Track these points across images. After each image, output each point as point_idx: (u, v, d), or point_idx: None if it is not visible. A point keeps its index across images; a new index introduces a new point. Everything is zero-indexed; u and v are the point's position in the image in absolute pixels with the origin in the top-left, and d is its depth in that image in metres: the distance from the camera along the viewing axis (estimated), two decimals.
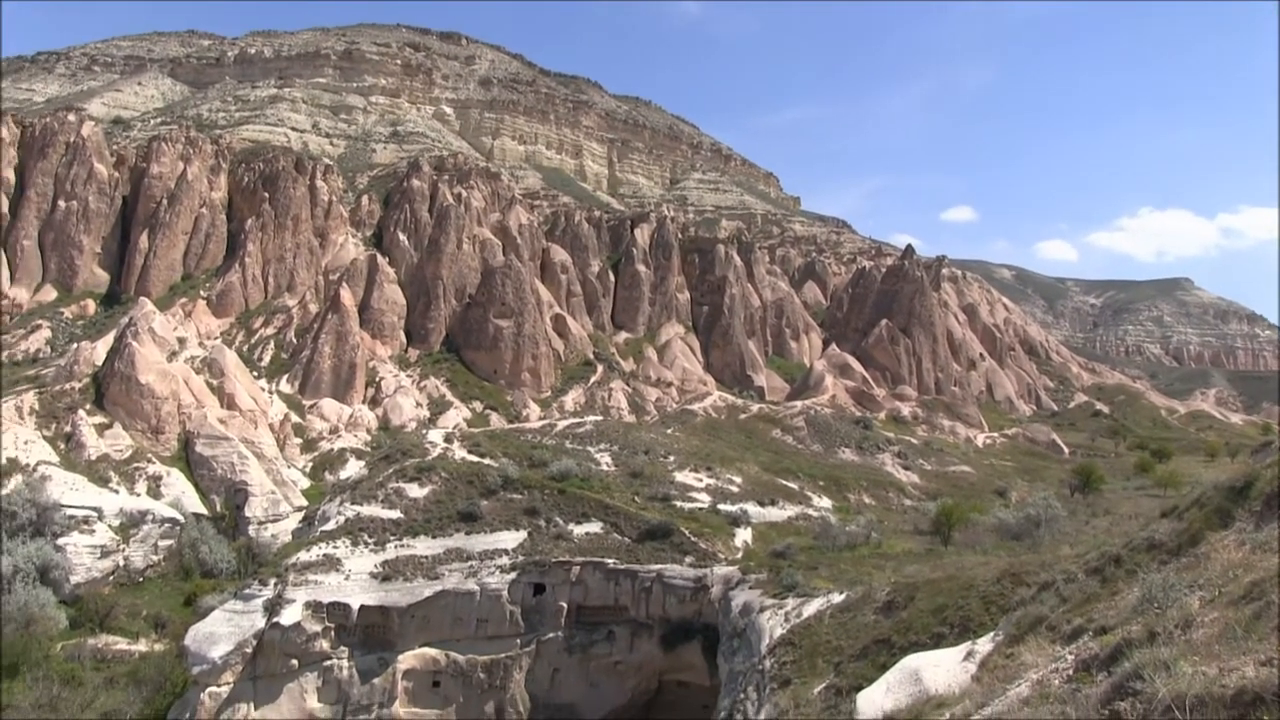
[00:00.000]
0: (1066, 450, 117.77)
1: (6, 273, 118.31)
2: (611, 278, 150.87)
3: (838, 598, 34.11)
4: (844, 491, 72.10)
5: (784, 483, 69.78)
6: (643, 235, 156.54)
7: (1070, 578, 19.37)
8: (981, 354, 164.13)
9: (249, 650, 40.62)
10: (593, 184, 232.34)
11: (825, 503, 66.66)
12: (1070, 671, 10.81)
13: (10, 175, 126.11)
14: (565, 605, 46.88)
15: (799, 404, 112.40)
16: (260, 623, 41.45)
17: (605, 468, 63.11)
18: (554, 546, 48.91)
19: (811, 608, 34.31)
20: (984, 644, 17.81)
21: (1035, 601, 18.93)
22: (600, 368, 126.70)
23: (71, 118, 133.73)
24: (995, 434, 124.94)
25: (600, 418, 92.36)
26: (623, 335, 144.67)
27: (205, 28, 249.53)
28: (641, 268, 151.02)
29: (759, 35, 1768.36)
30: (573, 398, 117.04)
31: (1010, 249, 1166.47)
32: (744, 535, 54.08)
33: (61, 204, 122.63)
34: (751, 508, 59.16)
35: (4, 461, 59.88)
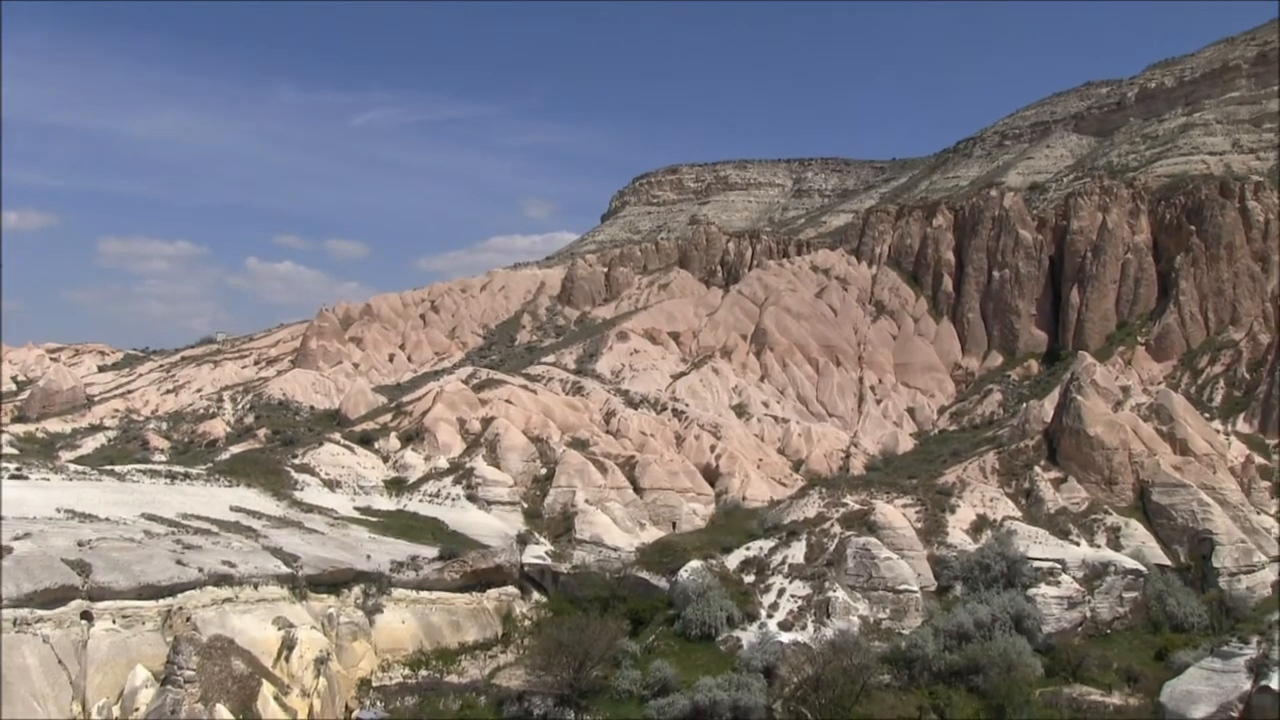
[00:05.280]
0: None
1: (958, 345, 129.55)
2: None
3: None
4: None
5: None
6: None
7: None
8: None
9: (1234, 714, 37.65)
10: None
11: None
12: None
13: (950, 256, 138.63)
14: None
15: None
16: (1244, 684, 38.26)
17: None
18: None
19: None
20: None
21: None
22: None
23: (993, 193, 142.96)
24: None
25: None
26: None
27: (1100, 76, 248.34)
28: None
29: None
30: None
31: None
32: None
33: (995, 274, 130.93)
34: None
35: (974, 517, 64.70)
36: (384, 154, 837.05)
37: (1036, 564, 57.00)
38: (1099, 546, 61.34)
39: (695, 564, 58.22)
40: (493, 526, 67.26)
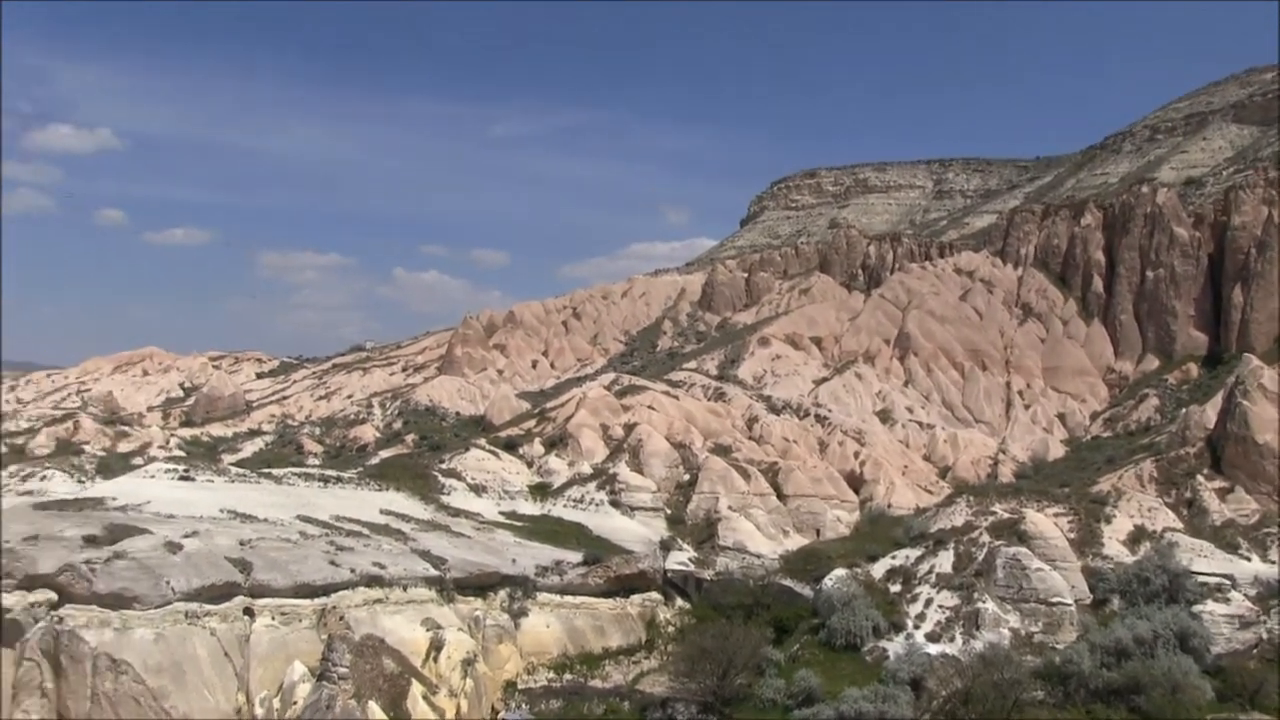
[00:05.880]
0: None
1: (1110, 348, 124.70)
2: None
3: None
4: None
5: None
6: None
7: None
8: None
9: None
10: None
11: None
12: None
13: (1100, 256, 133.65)
14: None
15: None
16: None
17: None
18: None
19: None
20: None
21: None
22: None
23: (1145, 189, 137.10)
24: None
25: None
26: None
27: (1264, 61, 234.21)
28: None
29: None
30: None
31: None
32: None
33: (1149, 274, 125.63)
34: None
35: (1131, 528, 62.04)
36: (525, 163, 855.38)
37: (1201, 579, 54.17)
38: (1273, 562, 57.95)
39: (840, 572, 57.30)
40: (636, 532, 67.58)
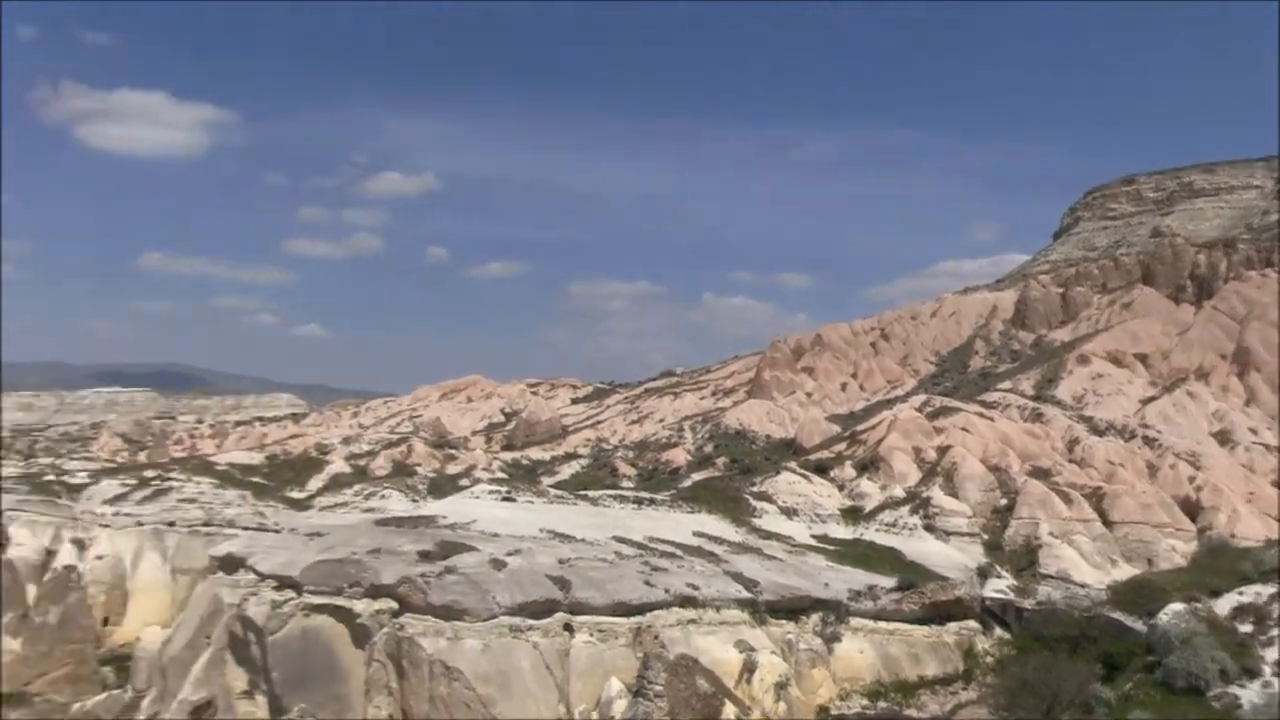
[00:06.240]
0: None
1: None
2: None
3: None
4: None
5: None
6: None
7: None
8: None
9: None
10: None
11: None
12: None
13: None
14: None
15: None
16: None
17: None
18: None
19: None
20: None
21: None
22: None
23: None
24: None
25: None
26: None
27: None
28: None
29: None
30: None
31: None
32: None
33: None
34: None
35: None
36: (829, 185, 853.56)
37: None
38: None
39: (1177, 607, 52.47)
40: (950, 558, 65.15)
